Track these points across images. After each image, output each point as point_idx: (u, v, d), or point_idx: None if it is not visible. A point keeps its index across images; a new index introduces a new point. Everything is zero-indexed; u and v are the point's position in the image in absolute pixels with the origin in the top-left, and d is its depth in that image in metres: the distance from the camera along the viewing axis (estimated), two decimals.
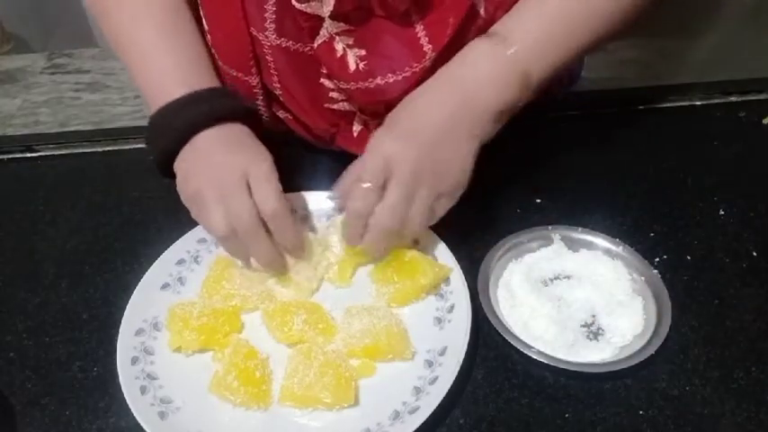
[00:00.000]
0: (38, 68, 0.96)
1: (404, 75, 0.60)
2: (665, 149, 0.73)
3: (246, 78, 0.66)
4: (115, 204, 0.67)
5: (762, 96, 0.80)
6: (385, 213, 0.53)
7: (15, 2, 1.64)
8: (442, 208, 0.56)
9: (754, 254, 0.61)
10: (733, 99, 0.80)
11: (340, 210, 0.62)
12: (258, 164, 0.55)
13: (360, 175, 0.54)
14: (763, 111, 0.78)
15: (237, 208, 0.53)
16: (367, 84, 0.61)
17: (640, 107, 0.79)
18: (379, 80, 0.60)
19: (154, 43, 0.60)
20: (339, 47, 0.60)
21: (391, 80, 0.60)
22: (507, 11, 0.58)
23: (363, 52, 0.60)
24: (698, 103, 0.80)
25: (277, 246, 0.56)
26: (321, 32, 0.59)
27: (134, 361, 0.52)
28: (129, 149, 0.78)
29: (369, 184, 0.53)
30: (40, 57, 0.98)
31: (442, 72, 0.56)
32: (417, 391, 0.50)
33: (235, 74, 0.66)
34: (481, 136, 0.55)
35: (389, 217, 0.53)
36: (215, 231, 0.54)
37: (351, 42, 0.59)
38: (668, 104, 0.80)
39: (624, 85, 0.86)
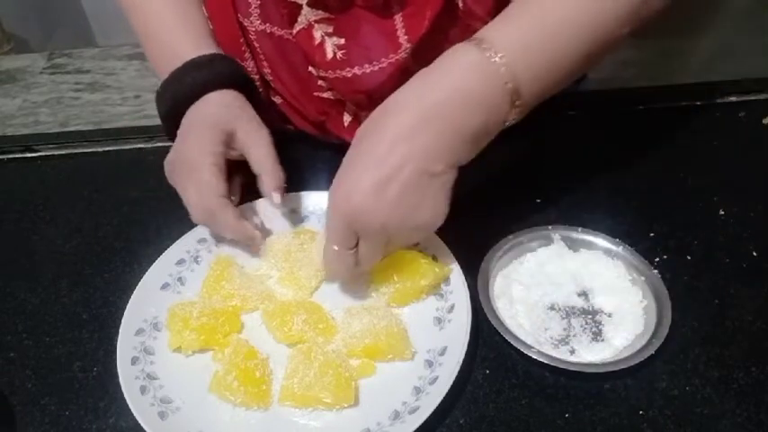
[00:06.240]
0: (38, 68, 0.96)
1: (380, 65, 0.60)
2: (665, 149, 0.73)
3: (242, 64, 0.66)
4: (115, 204, 0.67)
5: (762, 96, 0.80)
6: (363, 265, 0.53)
7: (15, 2, 1.63)
8: (411, 241, 0.56)
9: (755, 254, 0.61)
10: (733, 99, 0.80)
11: None
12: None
13: (328, 236, 0.52)
14: (763, 111, 0.77)
15: (188, 196, 0.56)
16: (344, 73, 0.61)
17: (640, 107, 0.79)
18: (356, 69, 0.60)
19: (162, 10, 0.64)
20: (317, 34, 0.60)
21: (368, 70, 0.60)
22: (485, 4, 0.57)
23: (342, 41, 0.60)
24: (698, 102, 0.80)
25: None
26: (299, 19, 0.60)
27: (134, 361, 0.52)
28: (129, 149, 0.78)
29: (337, 248, 0.52)
30: (39, 57, 0.98)
31: (420, 84, 0.49)
32: (417, 391, 0.50)
33: None
34: (457, 164, 0.49)
35: (368, 265, 0.54)
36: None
37: (330, 31, 0.60)
38: (668, 104, 0.80)
39: (624, 84, 0.86)
